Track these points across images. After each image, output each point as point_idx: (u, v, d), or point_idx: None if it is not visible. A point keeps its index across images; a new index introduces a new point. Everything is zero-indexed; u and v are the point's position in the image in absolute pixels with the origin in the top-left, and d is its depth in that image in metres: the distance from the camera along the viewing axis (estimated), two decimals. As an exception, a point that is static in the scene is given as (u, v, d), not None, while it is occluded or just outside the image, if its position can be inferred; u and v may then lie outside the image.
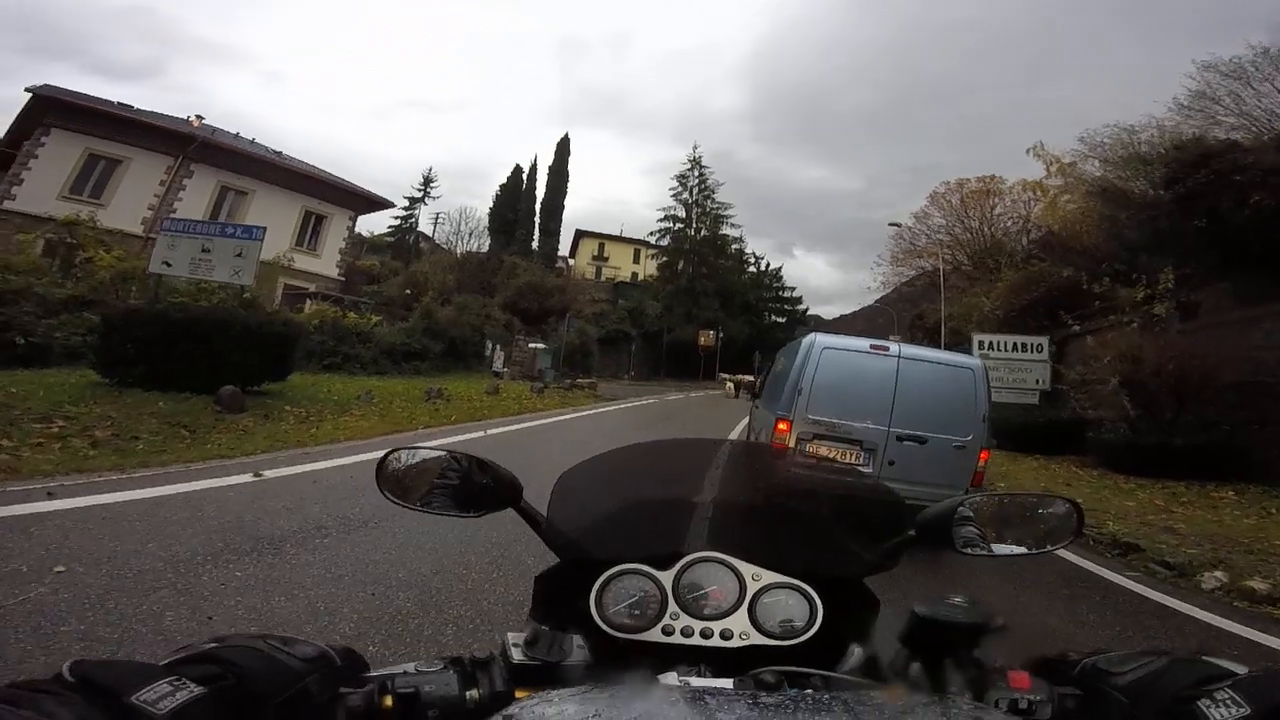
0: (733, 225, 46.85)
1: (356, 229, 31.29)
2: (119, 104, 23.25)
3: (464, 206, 76.46)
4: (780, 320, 51.03)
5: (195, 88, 75.77)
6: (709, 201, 45.58)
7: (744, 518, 0.94)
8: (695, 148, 47.62)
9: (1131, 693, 0.62)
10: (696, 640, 0.77)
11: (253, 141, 27.10)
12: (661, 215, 45.83)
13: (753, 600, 0.79)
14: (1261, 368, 10.07)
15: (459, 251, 45.12)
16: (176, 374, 8.81)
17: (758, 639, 0.77)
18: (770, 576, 0.81)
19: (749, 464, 1.12)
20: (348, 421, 8.83)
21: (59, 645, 2.37)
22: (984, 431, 5.23)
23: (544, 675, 0.71)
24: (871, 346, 5.60)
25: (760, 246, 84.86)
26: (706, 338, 42.27)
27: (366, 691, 0.61)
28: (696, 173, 45.54)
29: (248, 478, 5.08)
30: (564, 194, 49.15)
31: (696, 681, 0.64)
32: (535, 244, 47.76)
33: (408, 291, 28.70)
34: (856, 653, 0.78)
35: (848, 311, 55.40)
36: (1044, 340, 15.01)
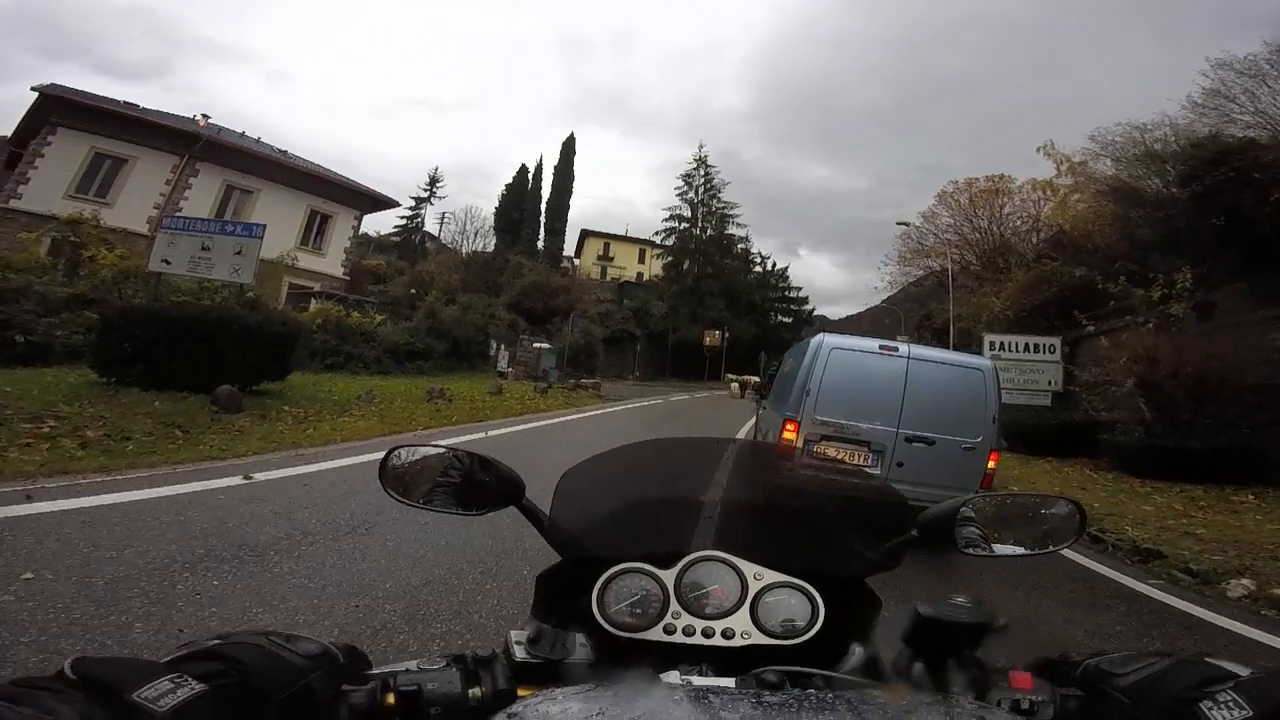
0: (738, 225, 46.78)
1: (362, 228, 31.29)
2: (125, 103, 23.31)
3: (469, 206, 76.31)
4: (786, 320, 50.79)
5: (201, 87, 76.42)
6: (714, 201, 45.40)
7: (746, 517, 0.93)
8: (701, 147, 47.42)
9: (1133, 694, 0.61)
10: (698, 639, 0.76)
11: (258, 141, 27.14)
12: (667, 215, 45.75)
13: (754, 599, 0.79)
14: (1281, 369, 9.82)
15: (464, 251, 45.11)
16: (175, 373, 8.70)
17: (759, 638, 0.77)
18: (772, 576, 0.80)
19: (751, 464, 1.10)
20: (346, 422, 8.68)
21: (15, 658, 2.23)
22: (994, 433, 5.18)
23: (546, 673, 0.71)
24: (880, 347, 5.53)
25: (766, 246, 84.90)
26: (712, 338, 42.03)
27: (369, 689, 0.61)
28: (702, 172, 45.39)
29: (237, 480, 4.92)
30: (569, 194, 49.11)
31: (699, 680, 0.63)
32: (540, 244, 47.67)
33: (413, 291, 28.65)
34: (858, 652, 0.78)
35: (854, 312, 55.00)
36: (1056, 341, 14.75)
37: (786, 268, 54.18)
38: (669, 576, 0.79)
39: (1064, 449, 12.51)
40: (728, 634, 0.77)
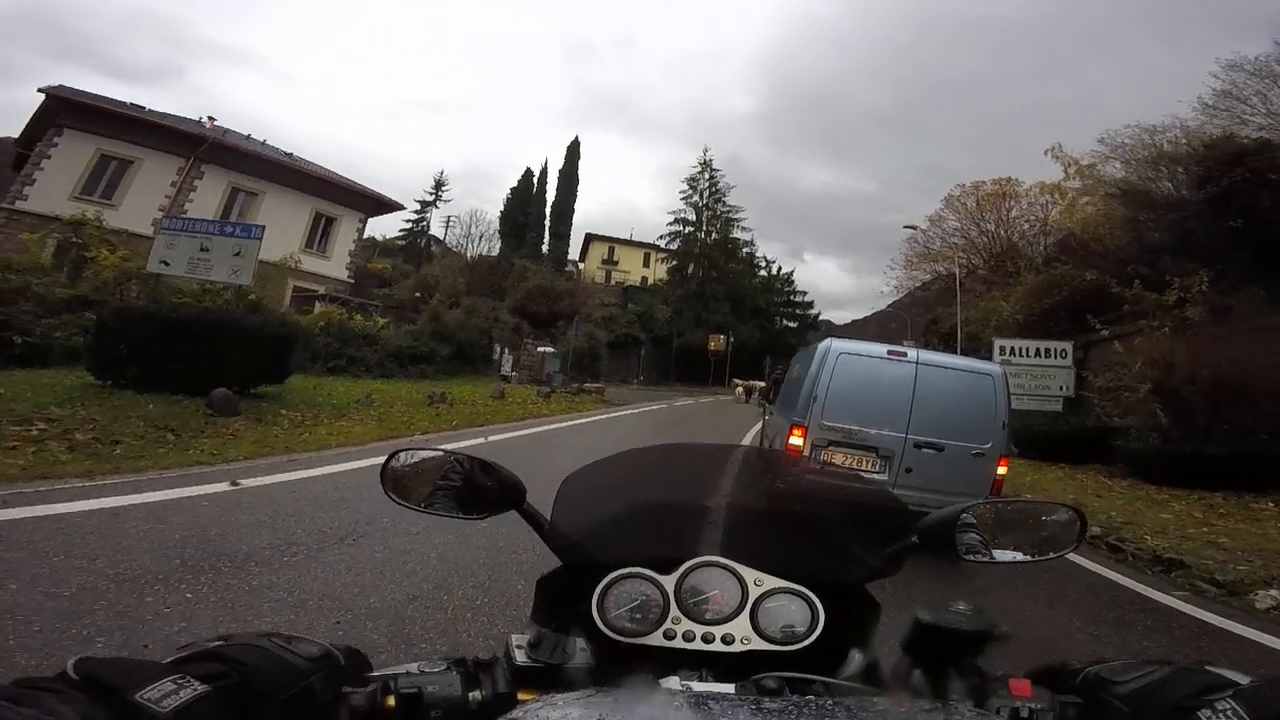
0: (743, 229, 46.50)
1: (367, 231, 31.27)
2: (131, 105, 23.33)
3: (475, 210, 76.17)
4: (791, 325, 50.50)
5: (208, 90, 76.98)
6: (719, 205, 45.19)
7: (746, 523, 0.91)
8: (705, 151, 46.95)
9: (1133, 702, 0.61)
10: (698, 645, 0.76)
11: (264, 143, 27.14)
12: (671, 218, 45.49)
13: (754, 605, 0.78)
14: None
15: (469, 255, 45.13)
16: (171, 375, 8.57)
17: (759, 644, 0.76)
18: (772, 581, 0.80)
19: (751, 470, 1.09)
20: (343, 427, 8.52)
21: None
22: (1004, 439, 5.13)
23: (547, 677, 0.70)
24: (889, 352, 5.45)
25: (771, 250, 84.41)
26: (717, 342, 41.78)
27: (369, 691, 0.60)
28: (707, 176, 45.21)
29: (223, 487, 4.75)
30: (574, 197, 49.00)
31: (699, 686, 0.64)
32: (545, 247, 47.59)
33: (418, 294, 28.59)
34: (858, 658, 0.78)
35: (859, 316, 54.75)
36: (1068, 346, 14.51)
37: (792, 272, 53.76)
38: (669, 582, 0.79)
39: (1076, 455, 12.27)
40: (728, 639, 0.76)
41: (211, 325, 9.07)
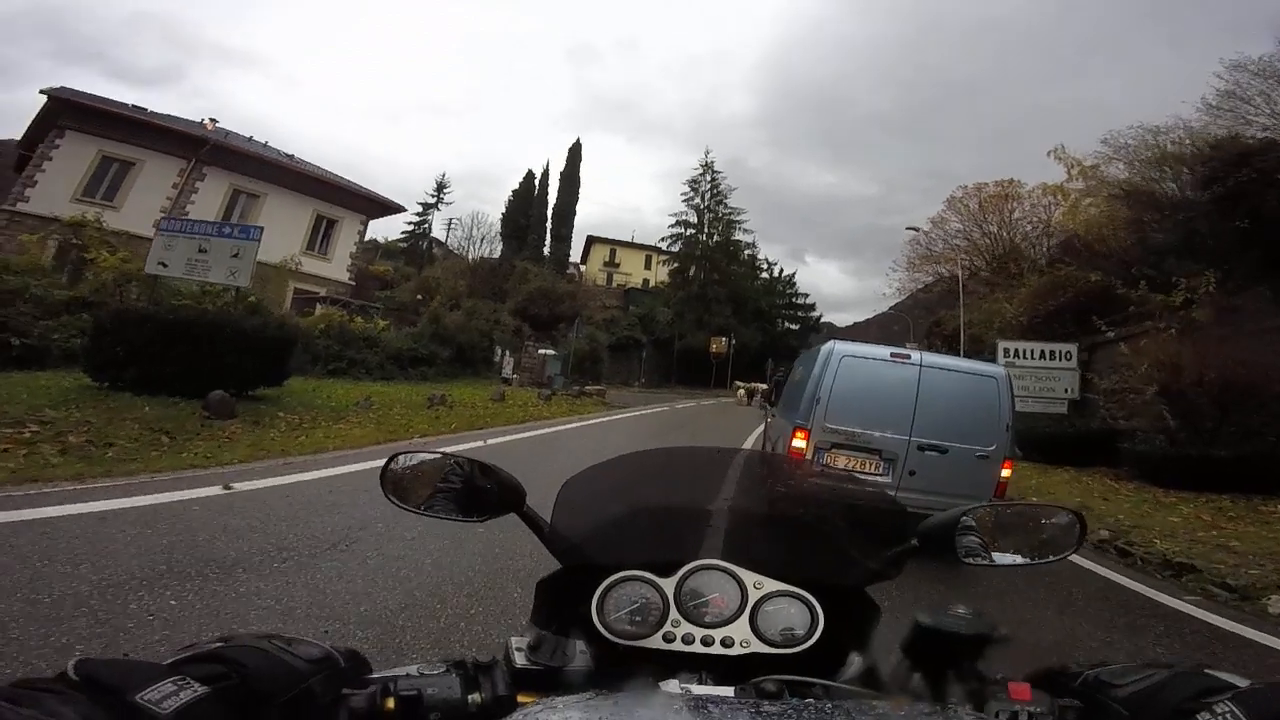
0: (745, 231, 46.35)
1: (368, 234, 31.23)
2: (133, 106, 23.33)
3: (476, 212, 76.25)
4: (793, 327, 50.35)
5: (211, 92, 77.58)
6: (721, 207, 45.08)
7: (746, 526, 0.92)
8: (707, 153, 46.66)
9: (1132, 705, 0.61)
10: (698, 648, 0.76)
11: (265, 145, 27.13)
12: (673, 221, 45.40)
13: (754, 608, 0.78)
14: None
15: (471, 257, 45.07)
16: (168, 377, 8.50)
17: (759, 647, 0.76)
18: (772, 584, 0.80)
19: (750, 473, 1.09)
20: (341, 430, 8.43)
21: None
22: (1007, 441, 5.11)
23: (546, 680, 0.71)
24: (892, 354, 5.41)
25: (773, 252, 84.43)
26: (718, 345, 41.65)
27: (369, 693, 0.60)
28: (709, 178, 45.11)
29: (215, 490, 4.66)
30: (576, 199, 48.91)
31: (698, 689, 0.63)
32: (547, 250, 47.51)
33: (419, 297, 28.54)
34: (857, 661, 0.77)
35: (861, 319, 54.73)
36: (1072, 348, 14.40)
37: (793, 274, 53.71)
38: (669, 585, 0.78)
39: (1082, 458, 12.16)
40: (727, 642, 0.76)
41: (209, 327, 9.00)
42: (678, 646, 0.75)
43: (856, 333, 47.09)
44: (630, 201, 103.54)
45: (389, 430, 8.81)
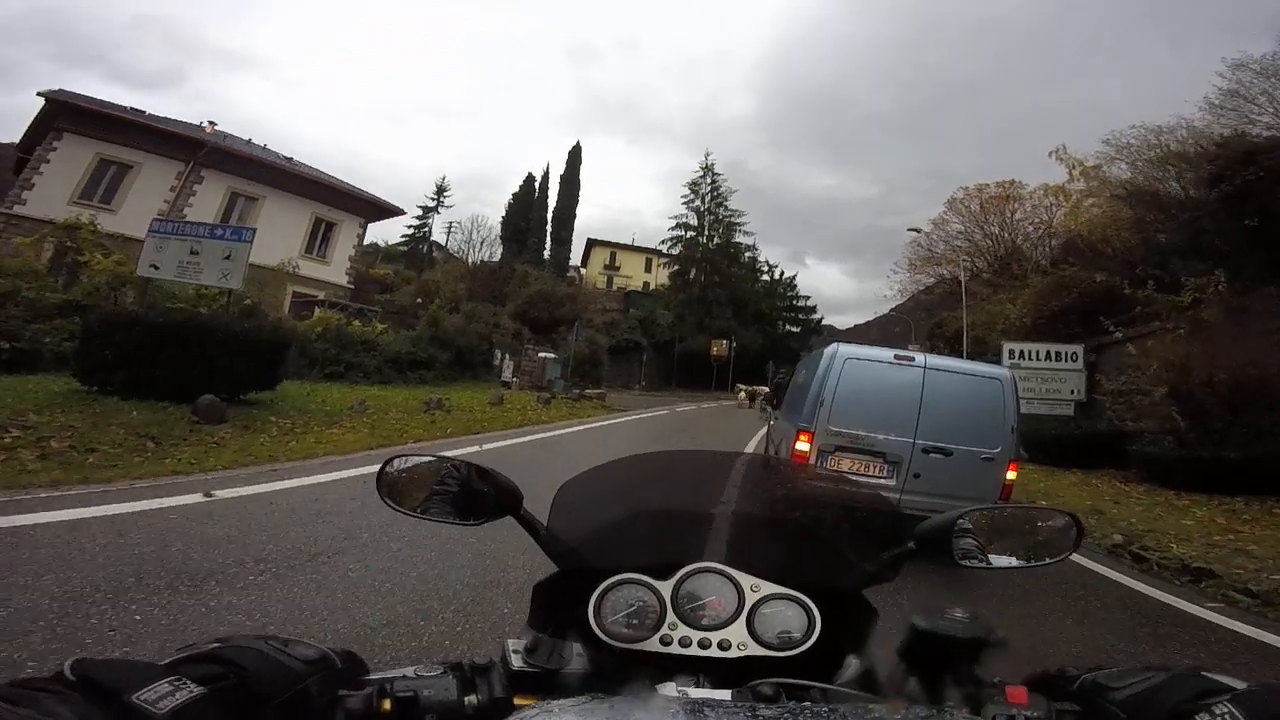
0: (745, 233, 46.23)
1: (368, 237, 31.09)
2: (131, 109, 23.22)
3: (476, 215, 76.28)
4: (794, 330, 50.24)
5: (212, 95, 77.75)
6: (721, 209, 44.99)
7: (742, 528, 0.90)
8: (708, 155, 46.68)
9: (1129, 708, 0.60)
10: (695, 651, 0.75)
11: (264, 147, 27.03)
12: (673, 223, 45.30)
13: (751, 611, 0.77)
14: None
15: (471, 260, 44.95)
16: (157, 381, 8.34)
17: (756, 650, 0.76)
18: (769, 587, 0.79)
19: (747, 476, 1.07)
20: (334, 434, 8.24)
21: None
22: (1013, 444, 5.06)
23: (543, 682, 0.70)
24: (896, 356, 5.35)
25: (773, 255, 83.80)
26: (719, 347, 41.48)
27: (365, 694, 0.60)
28: (709, 180, 45.03)
29: (196, 498, 4.48)
30: (576, 202, 48.78)
31: (695, 692, 0.63)
32: (547, 253, 47.38)
33: (419, 300, 28.39)
34: (854, 664, 0.77)
35: (862, 321, 54.60)
36: (1078, 349, 14.20)
37: (794, 276, 53.51)
38: (666, 588, 0.78)
39: (1089, 460, 11.97)
40: (724, 645, 0.76)
41: (199, 330, 8.84)
42: (675, 649, 0.75)
43: (857, 335, 46.97)
44: (630, 204, 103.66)
45: (382, 435, 8.62)
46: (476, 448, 8.55)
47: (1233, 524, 7.45)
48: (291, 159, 27.38)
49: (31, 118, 22.03)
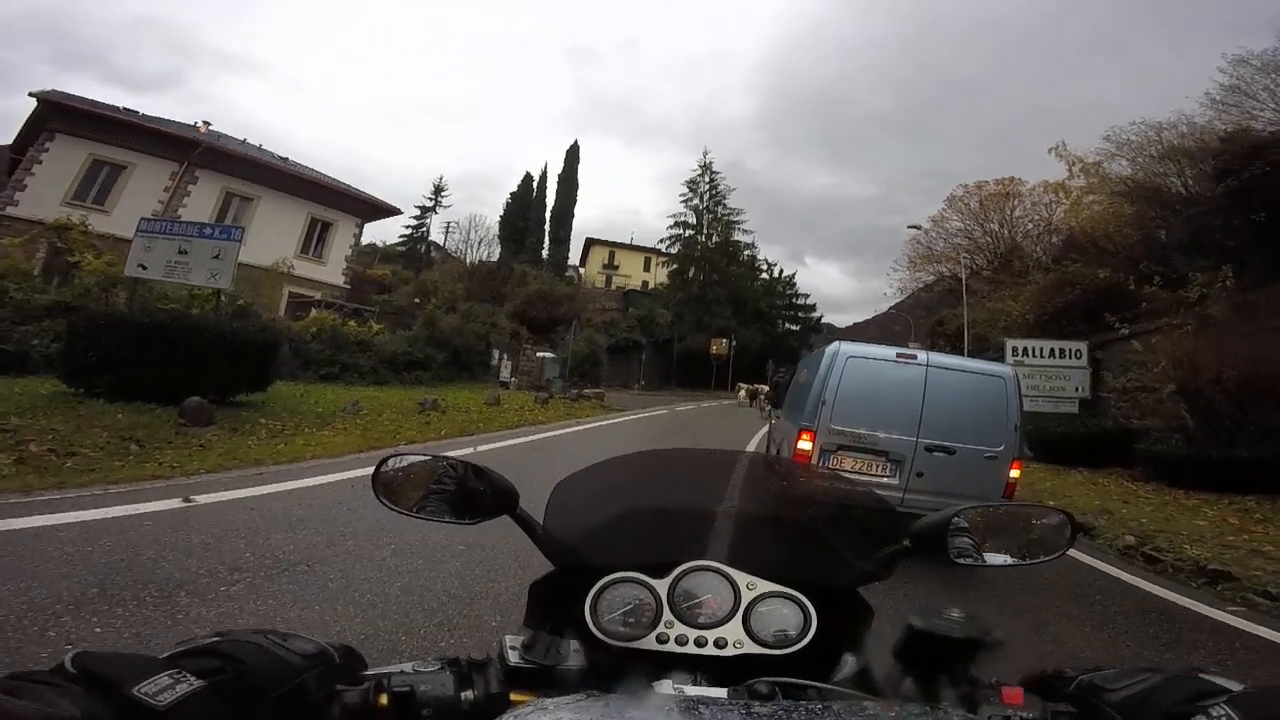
0: (744, 231, 46.14)
1: (366, 237, 30.92)
2: (124, 109, 23.02)
3: (474, 215, 76.09)
4: (793, 328, 50.10)
5: (210, 96, 77.56)
6: (720, 207, 44.85)
7: (738, 526, 0.88)
8: (706, 153, 46.37)
9: (1125, 709, 0.60)
10: (691, 649, 0.75)
11: (259, 147, 26.84)
12: (672, 222, 45.13)
13: (747, 609, 0.77)
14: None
15: (469, 260, 44.78)
16: (144, 383, 8.17)
17: (752, 648, 0.76)
18: (765, 585, 0.79)
19: (742, 474, 1.02)
20: (324, 437, 8.05)
21: None
22: (1016, 442, 5.03)
23: (540, 678, 0.70)
24: (898, 355, 5.30)
25: (772, 254, 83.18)
26: (718, 346, 41.32)
27: (363, 689, 0.60)
28: (707, 178, 44.89)
29: (174, 504, 4.28)
30: (574, 202, 48.66)
31: (691, 690, 0.63)
32: (545, 252, 47.25)
33: (416, 300, 28.22)
34: (850, 663, 0.77)
35: (861, 319, 54.43)
36: (1083, 346, 14.02)
37: (793, 275, 53.38)
38: (662, 586, 0.77)
39: (1095, 459, 11.79)
40: (720, 643, 0.75)
41: (186, 330, 8.66)
42: (671, 647, 0.75)
43: (857, 333, 46.80)
44: (629, 204, 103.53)
45: (374, 437, 8.43)
46: (470, 449, 8.35)
47: (1246, 524, 7.28)
48: (287, 159, 27.21)
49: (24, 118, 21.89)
